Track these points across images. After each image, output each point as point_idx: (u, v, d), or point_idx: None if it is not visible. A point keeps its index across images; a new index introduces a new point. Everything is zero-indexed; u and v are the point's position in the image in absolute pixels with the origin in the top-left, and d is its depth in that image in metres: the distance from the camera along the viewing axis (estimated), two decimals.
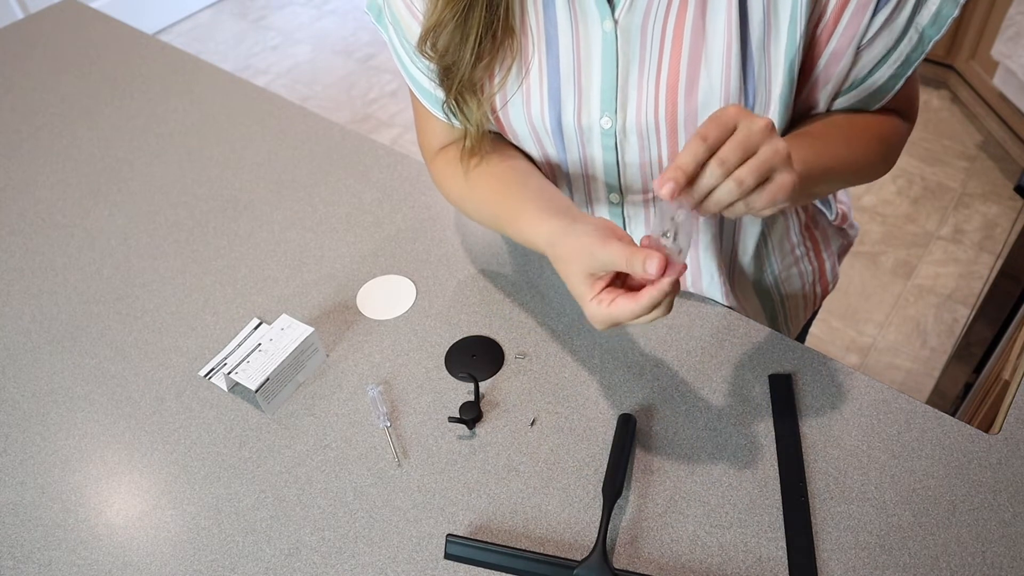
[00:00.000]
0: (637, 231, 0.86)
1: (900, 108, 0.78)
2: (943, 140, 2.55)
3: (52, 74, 1.40)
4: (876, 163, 0.78)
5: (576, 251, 0.67)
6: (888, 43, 0.70)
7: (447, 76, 0.75)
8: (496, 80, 0.76)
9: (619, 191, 0.82)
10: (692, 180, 0.59)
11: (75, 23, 1.54)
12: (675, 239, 0.63)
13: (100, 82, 1.37)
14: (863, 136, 0.76)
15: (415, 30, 0.76)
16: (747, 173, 0.58)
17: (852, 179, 0.78)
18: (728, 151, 0.58)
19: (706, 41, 0.68)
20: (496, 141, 0.84)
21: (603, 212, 0.85)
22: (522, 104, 0.77)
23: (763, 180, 0.59)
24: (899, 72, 0.72)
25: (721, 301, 0.91)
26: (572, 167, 0.82)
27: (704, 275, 0.89)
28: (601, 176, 0.81)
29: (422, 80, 0.82)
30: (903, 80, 0.73)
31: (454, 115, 0.79)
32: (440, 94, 0.79)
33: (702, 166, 0.58)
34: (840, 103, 0.75)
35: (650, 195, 0.81)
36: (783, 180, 0.59)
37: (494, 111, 0.79)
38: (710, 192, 0.59)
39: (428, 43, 0.73)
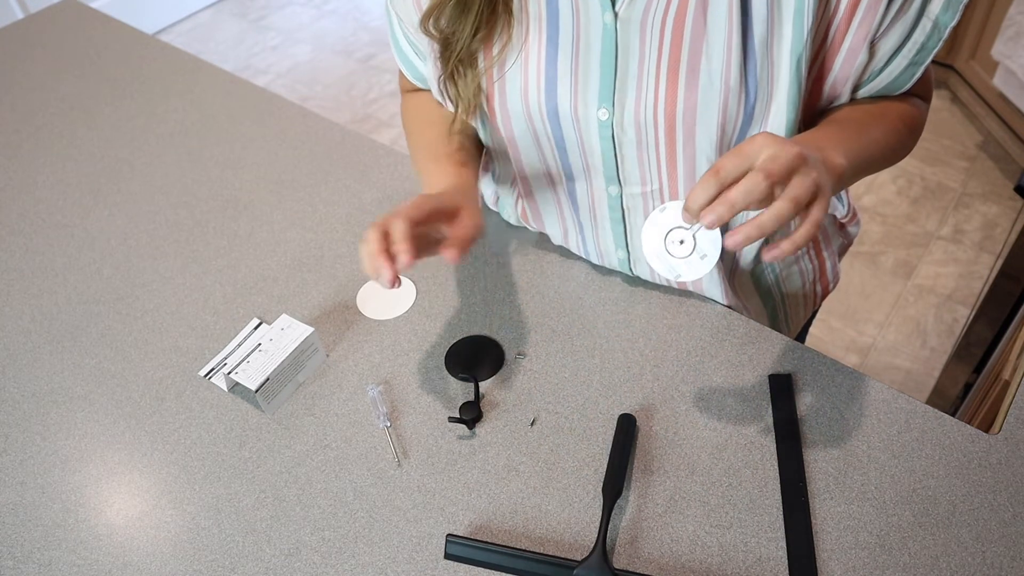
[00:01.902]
0: (636, 222, 0.86)
1: (917, 91, 0.79)
2: (943, 140, 2.55)
3: (52, 74, 1.40)
4: (906, 145, 0.79)
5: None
6: (902, 34, 0.70)
7: (446, 48, 0.78)
8: (494, 54, 0.77)
9: (617, 182, 0.82)
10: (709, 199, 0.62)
11: (75, 23, 1.54)
12: (693, 249, 0.66)
13: (100, 82, 1.37)
14: (892, 120, 0.77)
15: (412, 17, 0.80)
16: (784, 205, 0.59)
17: (885, 164, 0.79)
18: (771, 165, 0.59)
19: (707, 36, 0.68)
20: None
21: (602, 202, 0.85)
22: (520, 88, 0.78)
23: (797, 210, 0.60)
24: (917, 60, 0.72)
25: (721, 300, 0.91)
26: (571, 155, 0.82)
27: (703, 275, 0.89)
28: (600, 166, 0.81)
29: (408, 53, 0.89)
30: (923, 68, 0.73)
31: (447, 91, 0.82)
32: (422, 67, 0.87)
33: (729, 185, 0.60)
34: (862, 93, 0.76)
35: (648, 188, 0.81)
36: (820, 212, 0.60)
37: (490, 88, 0.80)
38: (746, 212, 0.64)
39: (431, 22, 0.76)
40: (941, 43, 0.71)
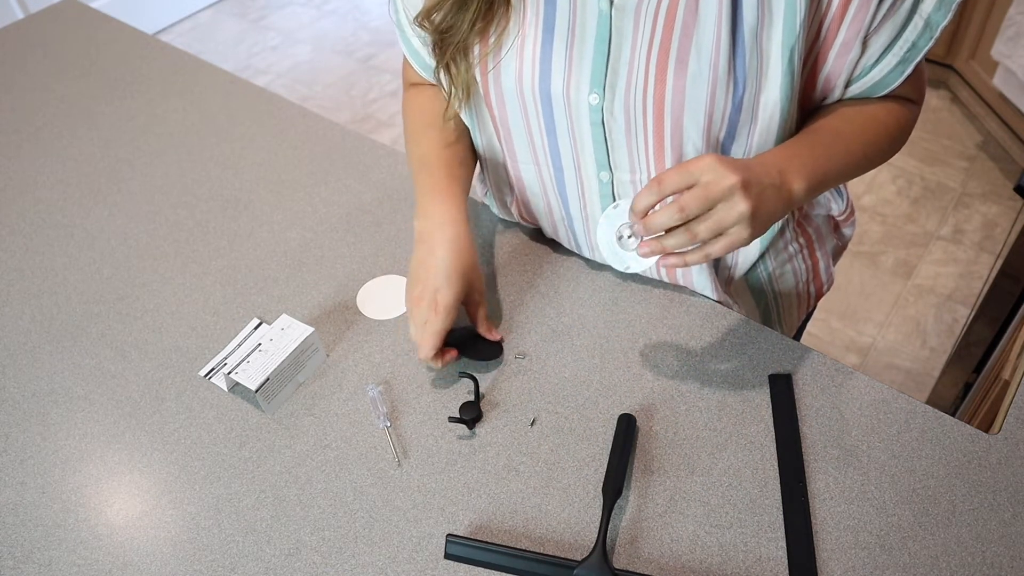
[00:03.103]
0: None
1: (908, 93, 0.79)
2: (943, 140, 2.55)
3: (52, 74, 1.40)
4: (885, 154, 0.81)
5: (451, 266, 0.82)
6: (893, 31, 0.71)
7: (441, 42, 0.79)
8: (490, 42, 0.78)
9: (608, 168, 0.82)
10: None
11: (75, 23, 1.54)
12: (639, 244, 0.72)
13: (100, 82, 1.37)
14: (874, 131, 0.78)
15: (418, 6, 0.81)
16: (702, 227, 0.65)
17: (859, 173, 0.80)
18: (689, 198, 0.64)
19: (698, 25, 0.69)
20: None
21: (593, 191, 0.85)
22: (515, 70, 0.79)
23: (717, 235, 0.66)
24: (908, 58, 0.73)
25: (711, 296, 0.91)
26: (562, 142, 0.82)
27: (693, 268, 0.89)
28: (591, 152, 0.81)
29: (415, 43, 0.89)
30: (913, 65, 0.74)
31: (441, 80, 0.83)
32: (428, 57, 0.86)
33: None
34: (852, 90, 0.77)
35: (637, 176, 0.82)
36: (739, 237, 0.66)
37: (484, 75, 0.81)
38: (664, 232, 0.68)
39: (428, 19, 0.78)
40: (932, 42, 0.72)
